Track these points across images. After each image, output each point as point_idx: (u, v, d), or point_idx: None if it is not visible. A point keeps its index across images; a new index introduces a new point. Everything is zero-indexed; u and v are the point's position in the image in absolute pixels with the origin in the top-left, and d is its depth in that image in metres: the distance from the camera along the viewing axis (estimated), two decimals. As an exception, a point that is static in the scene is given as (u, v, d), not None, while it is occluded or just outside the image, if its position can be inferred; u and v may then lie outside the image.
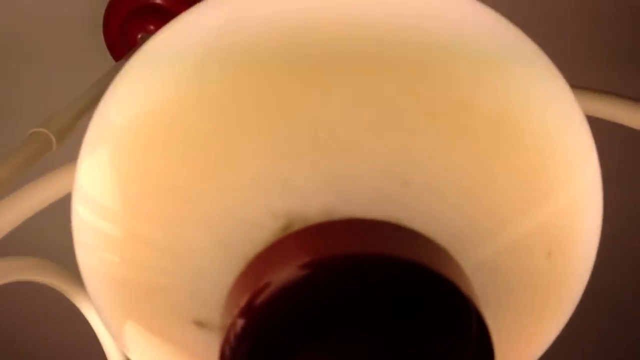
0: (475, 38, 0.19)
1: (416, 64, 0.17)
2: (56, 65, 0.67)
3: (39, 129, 0.36)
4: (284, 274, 0.16)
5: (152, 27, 0.62)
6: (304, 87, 0.17)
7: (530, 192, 0.19)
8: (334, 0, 0.18)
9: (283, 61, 0.17)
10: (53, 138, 0.36)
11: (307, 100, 0.17)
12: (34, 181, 0.31)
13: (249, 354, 0.15)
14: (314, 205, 0.17)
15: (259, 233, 0.17)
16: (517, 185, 0.18)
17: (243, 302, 0.16)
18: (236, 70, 0.18)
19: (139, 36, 0.62)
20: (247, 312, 0.15)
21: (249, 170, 0.17)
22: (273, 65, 0.17)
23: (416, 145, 0.17)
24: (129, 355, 0.22)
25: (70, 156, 0.32)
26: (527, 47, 0.20)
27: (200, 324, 0.18)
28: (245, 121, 0.17)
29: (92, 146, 0.20)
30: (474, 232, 0.18)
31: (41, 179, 0.31)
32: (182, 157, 0.18)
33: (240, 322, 0.15)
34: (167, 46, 0.20)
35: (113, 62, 0.63)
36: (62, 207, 0.32)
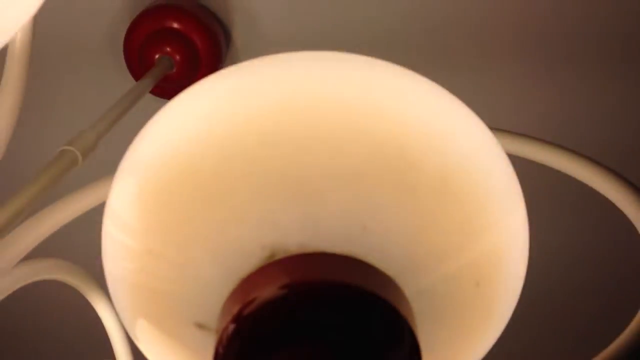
0: (423, 115, 0.24)
1: (374, 138, 0.23)
2: (79, 83, 0.72)
3: (68, 147, 0.41)
4: (267, 292, 0.21)
5: (168, 49, 0.67)
6: (289, 156, 0.22)
7: (463, 236, 0.24)
8: (306, 87, 0.24)
9: (273, 137, 0.22)
10: (79, 155, 0.41)
11: (291, 166, 0.22)
12: (66, 196, 0.36)
13: (237, 353, 0.20)
14: (292, 240, 0.22)
15: (250, 259, 0.22)
16: (451, 230, 0.23)
17: (234, 311, 0.21)
18: (238, 142, 0.23)
19: (157, 57, 0.67)
20: (237, 319, 0.21)
21: (245, 212, 0.22)
22: (263, 138, 0.23)
23: (373, 199, 0.22)
24: (139, 345, 0.27)
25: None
26: (463, 117, 0.26)
27: (200, 326, 0.23)
28: (243, 176, 0.22)
29: (125, 174, 0.26)
30: (415, 266, 0.23)
31: (71, 195, 0.36)
32: (195, 196, 0.23)
33: (232, 327, 0.21)
34: (186, 107, 0.25)
35: (132, 80, 0.68)
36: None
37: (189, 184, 0.23)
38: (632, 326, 0.26)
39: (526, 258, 0.27)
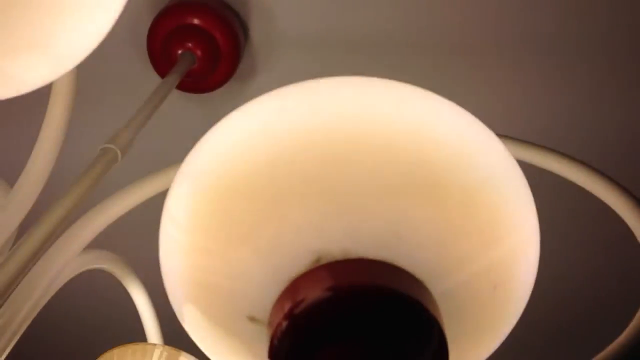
0: (450, 135, 0.27)
1: (408, 157, 0.26)
2: (105, 81, 0.74)
3: (108, 145, 0.44)
4: (315, 293, 0.24)
5: (190, 45, 0.69)
6: (334, 172, 0.25)
7: (483, 243, 0.27)
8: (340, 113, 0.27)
9: (322, 155, 0.26)
10: (119, 152, 0.44)
11: (337, 181, 0.25)
12: (114, 194, 0.39)
13: (289, 346, 0.23)
14: (337, 247, 0.25)
15: (299, 261, 0.25)
16: (473, 238, 0.27)
17: (286, 309, 0.24)
18: (290, 157, 0.26)
19: (179, 52, 0.69)
20: (289, 316, 0.24)
21: (296, 221, 0.25)
22: (313, 156, 0.26)
23: (407, 211, 0.25)
24: (191, 335, 0.30)
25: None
26: (482, 135, 0.29)
27: (252, 319, 0.26)
28: (294, 188, 0.25)
29: (185, 180, 0.29)
30: (441, 270, 0.26)
31: (119, 193, 0.40)
32: (249, 202, 0.26)
33: (285, 324, 0.24)
34: (242, 122, 0.28)
35: (155, 75, 0.70)
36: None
37: (244, 192, 0.26)
38: (630, 327, 0.29)
39: (536, 264, 0.30)
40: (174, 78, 0.64)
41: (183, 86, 0.70)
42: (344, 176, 0.25)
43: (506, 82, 0.78)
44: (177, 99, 0.75)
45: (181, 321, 0.30)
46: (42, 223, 0.36)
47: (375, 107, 0.27)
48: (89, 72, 0.75)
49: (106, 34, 0.34)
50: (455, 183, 0.26)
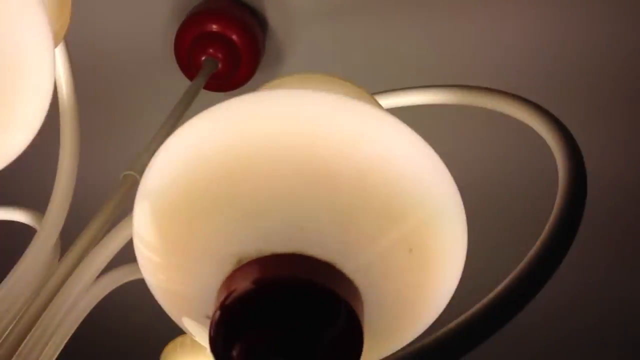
0: (335, 128, 0.32)
1: (299, 160, 0.30)
2: (138, 88, 0.83)
3: (129, 172, 0.52)
4: (241, 286, 0.30)
5: (211, 51, 0.76)
6: (240, 186, 0.31)
7: (386, 219, 0.31)
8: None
9: (230, 172, 0.31)
10: (138, 177, 0.51)
11: (243, 195, 0.31)
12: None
13: (221, 334, 0.29)
14: (252, 248, 0.30)
15: (227, 264, 0.31)
16: (375, 217, 0.31)
17: (220, 301, 0.30)
18: (208, 178, 0.31)
19: (202, 59, 0.76)
20: (221, 308, 0.30)
21: (215, 232, 0.31)
22: (224, 174, 0.31)
23: (306, 206, 0.30)
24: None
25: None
26: (372, 120, 0.33)
27: (208, 317, 0.32)
28: (212, 205, 0.31)
29: (138, 202, 0.35)
30: (349, 250, 0.31)
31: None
32: (186, 219, 0.32)
33: (217, 314, 0.30)
34: (178, 148, 0.34)
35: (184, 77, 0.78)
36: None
37: (175, 211, 0.32)
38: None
39: (459, 222, 0.34)
40: (199, 82, 0.71)
41: (210, 87, 0.76)
42: (247, 189, 0.31)
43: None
44: (206, 99, 0.82)
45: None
46: (73, 251, 0.45)
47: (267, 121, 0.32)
48: (127, 81, 0.84)
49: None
50: (345, 172, 0.31)
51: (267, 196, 0.30)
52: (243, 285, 0.30)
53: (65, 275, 0.44)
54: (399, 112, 0.39)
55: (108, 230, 0.47)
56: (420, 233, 0.32)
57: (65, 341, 0.41)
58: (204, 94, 0.78)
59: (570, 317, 1.10)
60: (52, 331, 0.40)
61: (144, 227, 0.34)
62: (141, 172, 0.53)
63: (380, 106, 0.43)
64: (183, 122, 0.59)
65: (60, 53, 0.50)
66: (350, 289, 0.31)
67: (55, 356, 0.40)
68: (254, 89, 0.82)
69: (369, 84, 0.46)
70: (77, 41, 0.81)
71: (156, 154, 0.35)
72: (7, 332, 0.41)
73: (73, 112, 0.50)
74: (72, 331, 0.42)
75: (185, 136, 0.35)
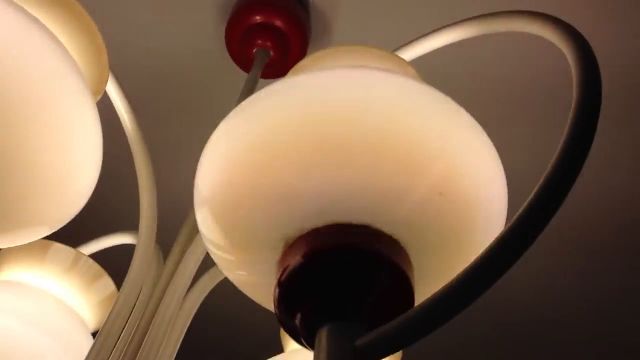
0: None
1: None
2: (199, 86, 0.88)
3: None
4: (292, 262, 0.34)
5: (259, 42, 0.80)
6: (277, 182, 0.35)
7: (410, 173, 0.34)
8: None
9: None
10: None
11: (281, 184, 0.35)
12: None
13: (283, 307, 0.34)
14: (296, 229, 0.35)
15: (279, 247, 0.36)
16: (399, 173, 0.34)
17: (277, 279, 0.35)
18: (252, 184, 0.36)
19: (254, 50, 0.80)
20: (278, 284, 0.35)
21: (264, 220, 0.36)
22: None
23: (332, 182, 0.34)
24: None
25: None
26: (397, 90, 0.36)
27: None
28: (257, 200, 0.36)
29: (198, 210, 0.40)
30: (382, 210, 0.34)
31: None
32: (239, 216, 0.37)
33: (276, 291, 0.35)
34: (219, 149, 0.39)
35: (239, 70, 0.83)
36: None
37: (231, 208, 0.37)
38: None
39: (488, 173, 0.37)
40: (254, 74, 0.75)
41: (266, 75, 0.81)
42: (272, 179, 0.35)
43: None
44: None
45: None
46: (172, 256, 0.51)
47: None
48: (185, 83, 0.90)
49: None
50: (358, 138, 0.34)
51: (296, 180, 0.35)
52: (293, 261, 0.34)
53: (169, 275, 0.51)
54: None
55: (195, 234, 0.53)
56: (446, 176, 0.35)
57: (180, 338, 0.48)
58: (262, 83, 0.83)
59: None
60: (165, 330, 0.47)
61: (209, 231, 0.39)
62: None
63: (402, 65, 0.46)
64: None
65: (113, 89, 0.57)
66: (392, 245, 0.34)
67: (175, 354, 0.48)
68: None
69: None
70: (127, 49, 0.88)
71: (200, 159, 0.40)
72: (131, 334, 0.48)
73: (139, 139, 0.56)
74: (184, 331, 0.49)
75: (220, 137, 0.39)
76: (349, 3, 0.83)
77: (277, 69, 0.83)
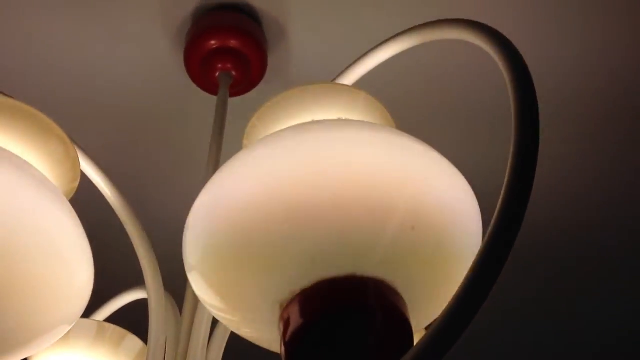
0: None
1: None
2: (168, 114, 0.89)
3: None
4: (292, 324, 0.37)
5: (220, 66, 0.81)
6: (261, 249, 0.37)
7: (383, 213, 0.36)
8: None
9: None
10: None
11: (265, 250, 0.37)
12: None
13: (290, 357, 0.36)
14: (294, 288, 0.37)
15: (276, 308, 0.38)
16: (373, 215, 0.36)
17: (280, 341, 0.37)
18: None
19: (217, 74, 0.81)
20: (284, 345, 0.37)
21: (254, 287, 0.38)
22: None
23: (316, 246, 0.36)
24: None
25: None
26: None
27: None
28: (243, 268, 0.38)
29: (190, 275, 0.42)
30: (363, 256, 0.36)
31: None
32: (230, 281, 0.39)
33: (283, 350, 0.37)
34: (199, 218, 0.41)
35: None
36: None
37: (221, 273, 0.39)
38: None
39: (456, 189, 0.38)
40: (223, 96, 0.76)
41: (233, 94, 0.82)
42: (257, 247, 0.38)
43: None
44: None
45: None
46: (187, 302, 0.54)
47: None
48: (154, 114, 0.92)
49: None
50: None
51: (275, 246, 0.37)
52: (293, 323, 0.37)
53: (189, 324, 0.54)
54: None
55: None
56: (413, 210, 0.37)
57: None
58: (231, 101, 0.84)
59: None
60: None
61: (204, 294, 0.41)
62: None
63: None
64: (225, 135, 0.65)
65: (90, 170, 0.59)
66: (381, 287, 0.37)
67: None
68: (267, 88, 0.87)
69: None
70: (93, 89, 0.90)
71: (187, 224, 0.42)
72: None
73: (125, 206, 0.58)
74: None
75: (204, 208, 0.41)
76: (301, 12, 0.83)
77: (242, 87, 0.84)
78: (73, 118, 0.91)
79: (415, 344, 0.35)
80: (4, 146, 0.46)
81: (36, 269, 0.41)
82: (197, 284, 0.42)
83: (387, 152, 0.38)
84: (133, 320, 0.67)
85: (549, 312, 1.21)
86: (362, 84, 0.54)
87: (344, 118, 0.44)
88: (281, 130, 0.43)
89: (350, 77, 0.56)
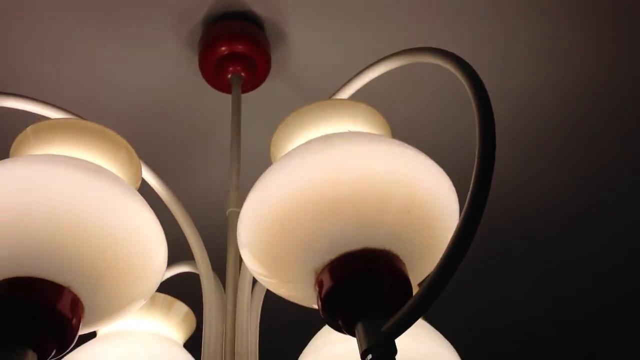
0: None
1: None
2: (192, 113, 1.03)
3: (231, 209, 0.73)
4: (325, 285, 0.51)
5: (231, 69, 0.93)
6: (303, 233, 0.51)
7: (387, 201, 0.50)
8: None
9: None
10: (238, 210, 0.73)
11: (305, 234, 0.51)
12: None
13: (326, 315, 0.51)
14: (321, 261, 0.51)
15: (312, 273, 0.52)
16: (381, 202, 0.50)
17: (316, 296, 0.52)
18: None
19: (229, 76, 0.94)
20: (319, 299, 0.51)
21: (296, 257, 0.52)
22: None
23: (336, 228, 0.50)
24: None
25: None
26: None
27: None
28: (290, 245, 0.52)
29: (242, 249, 0.56)
30: (371, 232, 0.51)
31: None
32: (277, 254, 0.53)
33: (319, 304, 0.51)
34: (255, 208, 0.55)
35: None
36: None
37: (268, 248, 0.53)
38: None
39: (443, 191, 0.53)
40: (236, 95, 0.90)
41: (244, 91, 0.96)
42: (301, 231, 0.51)
43: None
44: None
45: None
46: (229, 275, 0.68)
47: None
48: (179, 115, 1.05)
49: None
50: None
51: (313, 229, 0.51)
52: (326, 284, 0.51)
53: (234, 295, 0.68)
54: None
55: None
56: (409, 199, 0.51)
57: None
58: (244, 97, 0.97)
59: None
60: (247, 337, 0.64)
61: (252, 263, 0.56)
62: (238, 205, 0.74)
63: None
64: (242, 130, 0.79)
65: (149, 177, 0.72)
66: (388, 256, 0.51)
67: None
68: (271, 84, 1.00)
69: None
70: (119, 95, 1.03)
71: (241, 214, 0.56)
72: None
73: (173, 199, 0.72)
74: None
75: (253, 204, 0.55)
76: (299, 18, 0.96)
77: (251, 85, 0.97)
78: (107, 118, 1.04)
79: (413, 294, 0.50)
80: (91, 160, 0.59)
81: (126, 256, 0.53)
82: (248, 258, 0.56)
83: (387, 157, 0.53)
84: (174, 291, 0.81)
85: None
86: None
87: (351, 129, 0.58)
88: (309, 142, 0.57)
89: (347, 92, 0.70)
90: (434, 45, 0.60)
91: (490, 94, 0.52)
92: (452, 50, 0.57)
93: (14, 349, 0.47)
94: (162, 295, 0.78)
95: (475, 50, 1.00)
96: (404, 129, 0.76)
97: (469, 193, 0.47)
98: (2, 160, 0.55)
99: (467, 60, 0.56)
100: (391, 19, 0.97)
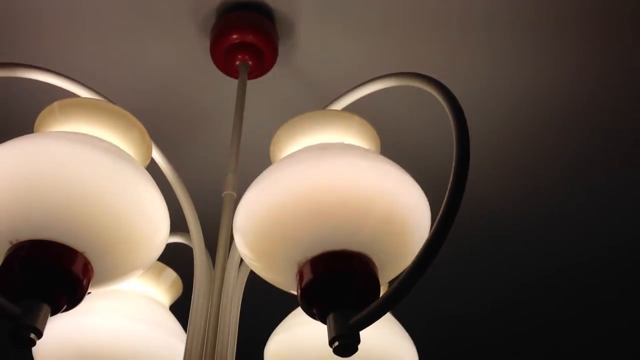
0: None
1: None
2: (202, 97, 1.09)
3: (226, 192, 0.80)
4: (306, 277, 0.59)
5: (239, 57, 1.00)
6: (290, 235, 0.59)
7: (366, 211, 0.58)
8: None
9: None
10: (234, 194, 0.80)
11: (292, 233, 0.59)
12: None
13: (304, 302, 0.59)
14: (303, 256, 0.59)
15: (294, 265, 0.60)
16: (361, 211, 0.58)
17: (297, 286, 0.59)
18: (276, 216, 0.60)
19: (237, 63, 1.00)
20: (299, 289, 0.59)
21: (283, 249, 0.60)
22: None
23: (323, 229, 0.58)
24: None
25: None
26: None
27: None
28: (279, 238, 0.59)
29: (236, 235, 0.64)
30: (354, 234, 0.58)
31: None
32: (265, 244, 0.61)
33: (299, 292, 0.59)
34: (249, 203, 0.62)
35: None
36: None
37: (259, 238, 0.61)
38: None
39: (417, 199, 0.60)
40: (242, 81, 0.96)
41: (250, 78, 1.02)
42: (287, 232, 0.59)
43: None
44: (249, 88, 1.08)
45: None
46: (219, 252, 0.76)
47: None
48: (190, 100, 1.11)
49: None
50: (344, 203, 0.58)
51: (299, 228, 0.58)
52: (307, 277, 0.59)
53: (222, 270, 0.76)
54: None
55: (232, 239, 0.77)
56: (387, 211, 0.59)
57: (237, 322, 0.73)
58: (249, 83, 1.04)
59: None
60: (230, 315, 0.72)
61: (243, 247, 0.63)
62: (234, 188, 0.81)
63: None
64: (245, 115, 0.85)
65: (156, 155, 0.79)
66: (364, 258, 0.58)
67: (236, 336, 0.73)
68: (277, 73, 1.06)
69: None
70: (135, 78, 1.09)
71: (241, 202, 0.64)
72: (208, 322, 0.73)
73: (176, 178, 0.79)
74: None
75: (252, 196, 0.62)
76: (307, 11, 1.02)
77: (257, 73, 1.03)
78: (119, 92, 1.10)
79: (381, 294, 0.57)
80: (108, 139, 0.65)
81: (135, 230, 0.61)
82: (239, 242, 0.63)
83: (374, 173, 0.60)
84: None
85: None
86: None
87: (345, 139, 0.66)
88: (308, 148, 0.64)
89: (342, 103, 0.77)
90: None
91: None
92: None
93: (32, 302, 0.54)
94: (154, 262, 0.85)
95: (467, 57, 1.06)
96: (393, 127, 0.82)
97: (442, 208, 0.54)
98: (38, 135, 0.62)
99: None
100: (396, 22, 1.03)
